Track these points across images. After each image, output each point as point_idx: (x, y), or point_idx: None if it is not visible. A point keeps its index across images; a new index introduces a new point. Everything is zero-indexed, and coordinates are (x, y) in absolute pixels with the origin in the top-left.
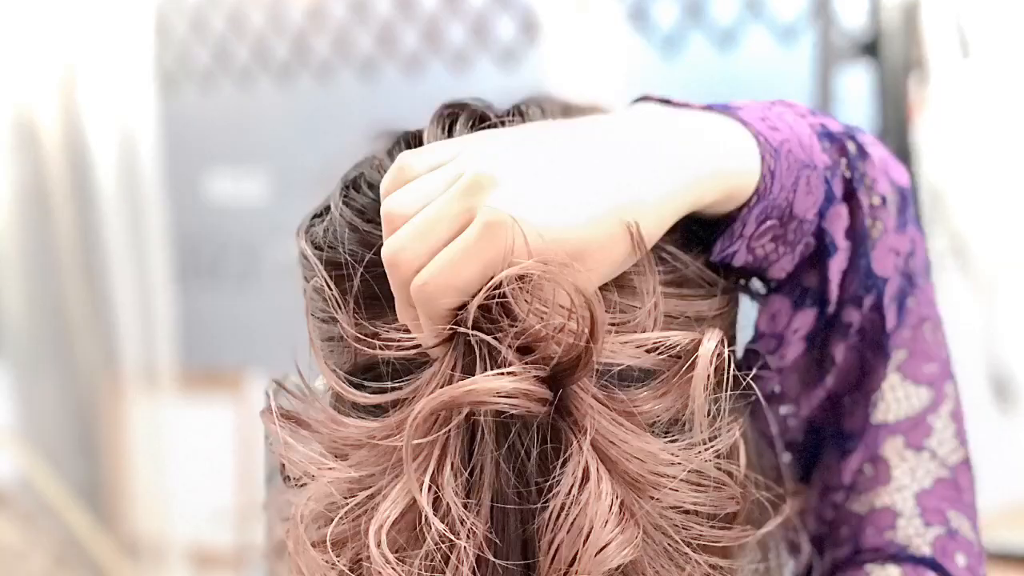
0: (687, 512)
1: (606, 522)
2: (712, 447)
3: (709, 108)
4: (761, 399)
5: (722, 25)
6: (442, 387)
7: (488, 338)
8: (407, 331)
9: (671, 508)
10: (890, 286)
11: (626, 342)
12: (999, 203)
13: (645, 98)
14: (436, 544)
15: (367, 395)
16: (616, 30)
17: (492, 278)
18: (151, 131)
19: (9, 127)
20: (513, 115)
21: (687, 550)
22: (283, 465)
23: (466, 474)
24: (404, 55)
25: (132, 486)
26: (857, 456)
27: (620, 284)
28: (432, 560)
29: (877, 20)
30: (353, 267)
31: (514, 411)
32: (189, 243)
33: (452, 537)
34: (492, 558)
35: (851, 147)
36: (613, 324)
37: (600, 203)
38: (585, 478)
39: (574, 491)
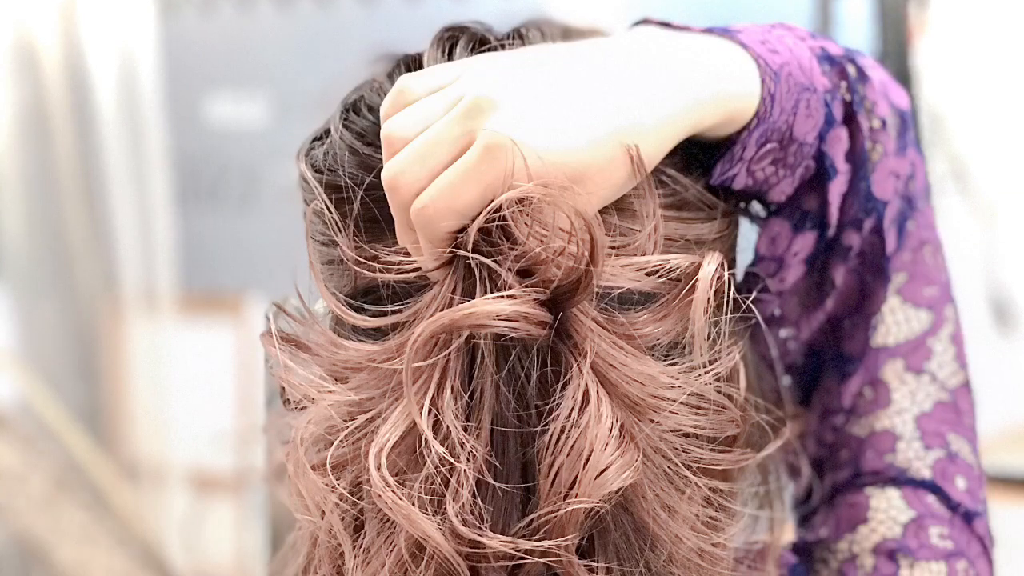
0: (687, 435)
1: (606, 445)
2: (712, 370)
3: (709, 31)
4: (761, 322)
5: None
6: (442, 310)
7: (488, 261)
8: (407, 254)
9: (671, 431)
10: (890, 209)
11: (626, 265)
12: (999, 127)
13: (645, 21)
14: (436, 467)
15: (367, 318)
16: None
17: (492, 201)
18: (151, 54)
19: (9, 50)
20: (513, 38)
21: (687, 473)
22: (283, 388)
23: (466, 397)
24: None
25: (132, 409)
26: (857, 379)
27: (620, 207)
28: (432, 483)
29: None
30: (353, 190)
31: (514, 334)
32: (189, 166)
33: (452, 460)
34: (492, 481)
35: (851, 70)
36: (613, 247)
37: (600, 126)
38: (585, 401)
39: (574, 414)
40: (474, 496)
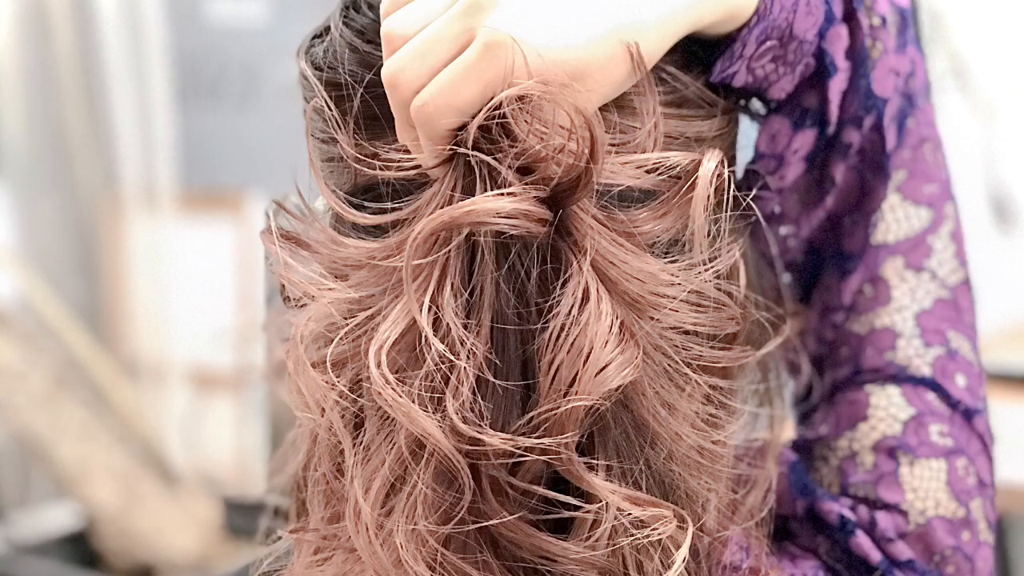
0: (687, 332)
1: (606, 342)
2: (712, 267)
3: None
4: (761, 219)
5: None
6: (442, 207)
7: (488, 158)
8: (407, 152)
9: (671, 328)
10: (890, 106)
11: (626, 162)
12: (999, 24)
13: None
14: (436, 365)
15: (367, 216)
16: None
17: (492, 99)
18: None
19: None
20: None
21: (687, 370)
22: (283, 286)
23: (466, 295)
24: None
25: (132, 306)
26: (857, 276)
27: (620, 105)
28: (432, 381)
29: None
30: (353, 87)
31: (514, 231)
32: (189, 63)
33: (452, 357)
34: (492, 378)
35: None
36: (613, 145)
37: (600, 23)
38: (585, 298)
39: (574, 311)
40: (474, 394)
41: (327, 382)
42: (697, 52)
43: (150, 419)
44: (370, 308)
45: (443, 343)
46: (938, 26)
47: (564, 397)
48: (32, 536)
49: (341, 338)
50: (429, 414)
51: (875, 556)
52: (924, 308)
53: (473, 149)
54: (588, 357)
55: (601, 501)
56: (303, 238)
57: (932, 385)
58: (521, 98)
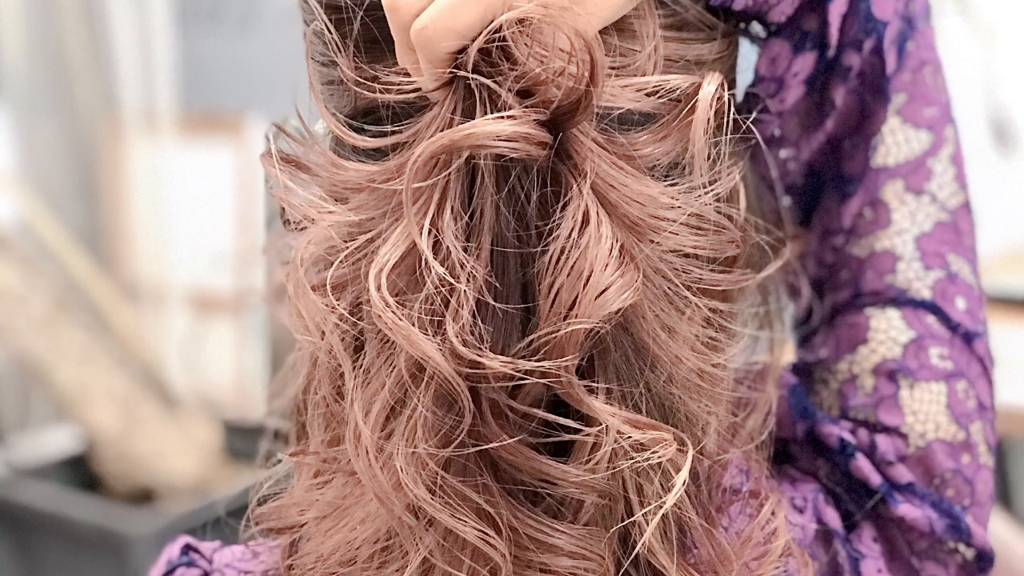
0: (687, 256)
1: (606, 265)
2: (712, 190)
3: None
4: (761, 142)
5: None
6: (442, 131)
7: (488, 81)
8: (407, 75)
9: (671, 252)
10: (890, 29)
11: (626, 85)
12: None
13: None
14: (436, 288)
15: (367, 139)
16: None
17: (492, 21)
18: None
19: None
20: None
21: (687, 294)
22: (283, 209)
23: (466, 218)
24: None
25: (132, 230)
26: (857, 199)
27: (620, 28)
28: (432, 304)
29: None
30: (353, 10)
31: (514, 155)
32: None
33: (452, 281)
34: (492, 302)
35: None
36: (613, 68)
37: None
38: (585, 221)
39: (574, 235)
40: (474, 317)
41: (327, 305)
42: None
43: (150, 342)
44: (370, 231)
45: (443, 266)
46: None
47: (564, 320)
48: (32, 459)
49: (341, 261)
50: (429, 337)
51: (875, 479)
52: (924, 231)
53: (473, 72)
54: (588, 280)
55: (601, 424)
56: (303, 161)
57: (932, 308)
58: (521, 21)
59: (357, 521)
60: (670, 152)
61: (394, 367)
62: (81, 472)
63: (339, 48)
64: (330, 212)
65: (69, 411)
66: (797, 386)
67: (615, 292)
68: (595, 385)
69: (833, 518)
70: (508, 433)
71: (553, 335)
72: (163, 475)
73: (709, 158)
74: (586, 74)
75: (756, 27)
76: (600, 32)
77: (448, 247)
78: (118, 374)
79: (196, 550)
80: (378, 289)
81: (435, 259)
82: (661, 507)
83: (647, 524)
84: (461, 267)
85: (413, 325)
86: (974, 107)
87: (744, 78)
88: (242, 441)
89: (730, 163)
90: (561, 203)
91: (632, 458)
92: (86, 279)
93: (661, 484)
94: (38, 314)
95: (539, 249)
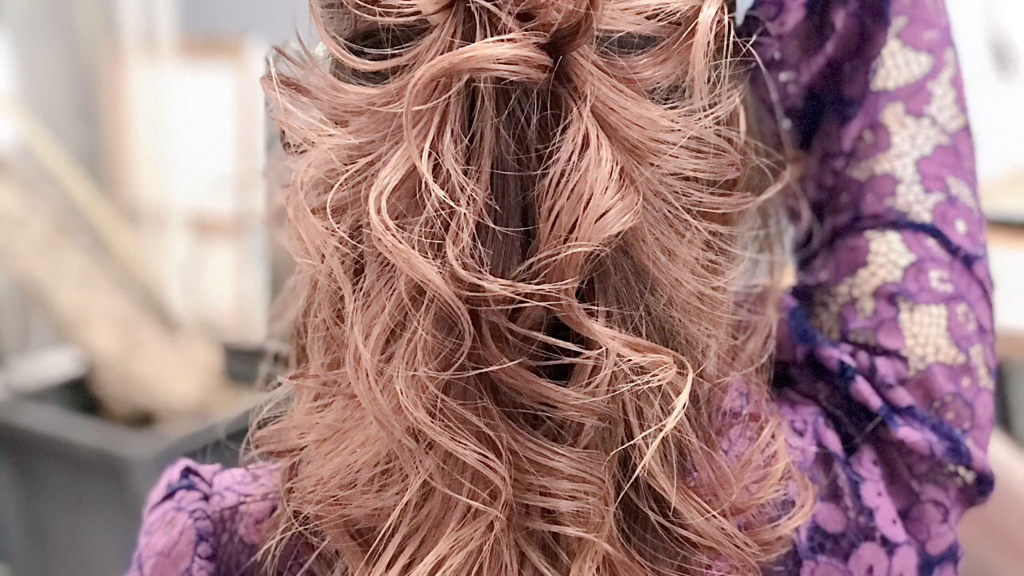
0: (687, 179)
1: (606, 188)
2: (712, 114)
3: None
4: (761, 66)
5: None
6: (442, 54)
7: (488, 4)
8: None
9: (671, 175)
10: None
11: (626, 8)
12: None
13: None
14: (436, 211)
15: (367, 62)
16: None
17: None
18: None
19: None
20: None
21: (687, 217)
22: (283, 132)
23: (466, 141)
24: None
25: (132, 153)
26: (857, 123)
27: None
28: (432, 227)
29: None
30: None
31: (514, 78)
32: None
33: (452, 204)
34: (492, 225)
35: None
36: None
37: None
38: (585, 144)
39: (574, 158)
40: (474, 240)
41: (327, 228)
42: None
43: (150, 265)
44: (370, 154)
45: (443, 189)
46: None
47: (564, 243)
48: (32, 382)
49: (341, 184)
50: (429, 260)
51: (875, 402)
52: (924, 154)
53: None
54: (588, 203)
55: (601, 347)
56: (303, 84)
57: (932, 231)
58: None
59: (357, 444)
60: (670, 75)
61: (394, 290)
62: (81, 395)
63: None
64: (330, 135)
65: (69, 334)
66: (797, 309)
67: (615, 215)
68: (595, 308)
69: (833, 441)
70: (508, 356)
71: (553, 258)
72: (163, 398)
73: (709, 81)
74: None
75: None
76: None
77: (448, 170)
78: (118, 297)
79: (196, 473)
80: (378, 212)
81: (435, 182)
82: (661, 430)
83: (647, 447)
84: (461, 190)
85: (413, 248)
86: (974, 30)
87: (744, 1)
88: (242, 364)
89: (730, 86)
90: (561, 126)
91: (632, 381)
92: (86, 202)
93: (661, 407)
94: (38, 237)
95: (539, 172)
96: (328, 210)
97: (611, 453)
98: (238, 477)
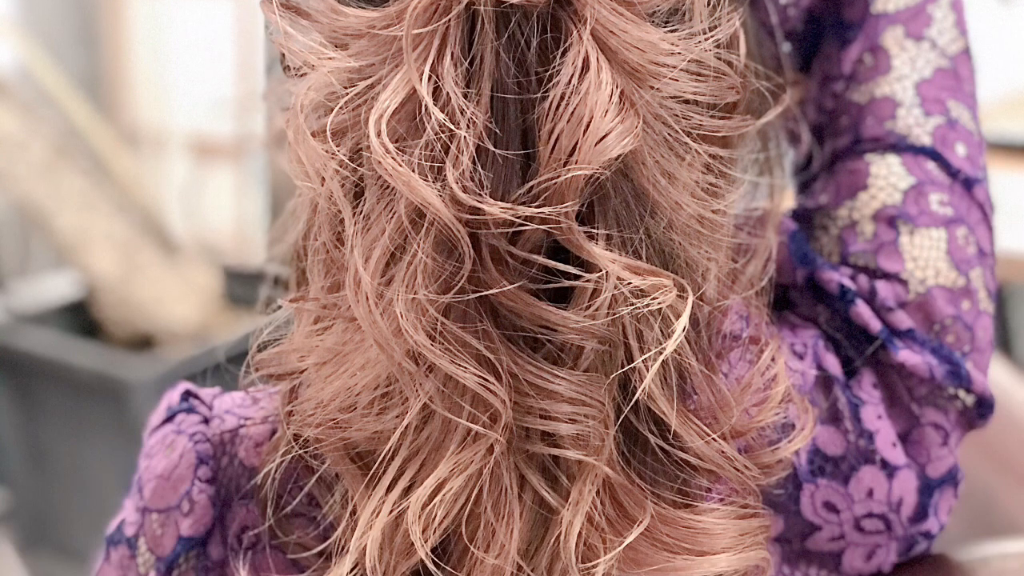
0: (687, 102)
1: (606, 111)
2: (712, 37)
3: None
4: None
5: None
6: None
7: None
8: None
9: (671, 98)
10: None
11: None
12: None
13: None
14: (436, 134)
15: None
16: None
17: None
18: None
19: None
20: None
21: (687, 139)
22: (283, 55)
23: (466, 64)
24: None
25: (132, 76)
26: (857, 46)
27: None
28: (432, 150)
29: None
30: None
31: (514, 1)
32: None
33: (452, 127)
34: (492, 148)
35: None
36: None
37: None
38: (585, 67)
39: (574, 81)
40: (474, 163)
41: (327, 151)
42: None
43: (150, 188)
44: (370, 77)
45: (443, 112)
46: None
47: (564, 166)
48: (32, 305)
49: (341, 107)
50: (429, 183)
51: (875, 325)
52: (924, 77)
53: None
54: (588, 126)
55: (601, 270)
56: (303, 7)
57: (932, 154)
58: None
59: (357, 367)
60: None
61: (394, 213)
62: (81, 318)
63: None
64: (330, 58)
65: (69, 257)
66: (797, 232)
67: (615, 138)
68: (595, 231)
69: (833, 364)
70: (508, 279)
71: (553, 181)
72: (163, 321)
73: (709, 4)
74: None
75: None
76: None
77: (448, 93)
78: (118, 220)
79: (196, 396)
80: (378, 135)
81: (435, 105)
82: (661, 353)
83: (647, 370)
84: (461, 113)
85: (413, 171)
86: None
87: None
88: (242, 287)
89: (730, 9)
90: (561, 49)
91: (632, 304)
92: (86, 125)
93: (661, 330)
94: (38, 160)
95: (539, 95)
96: (328, 133)
97: (611, 376)
98: (238, 400)
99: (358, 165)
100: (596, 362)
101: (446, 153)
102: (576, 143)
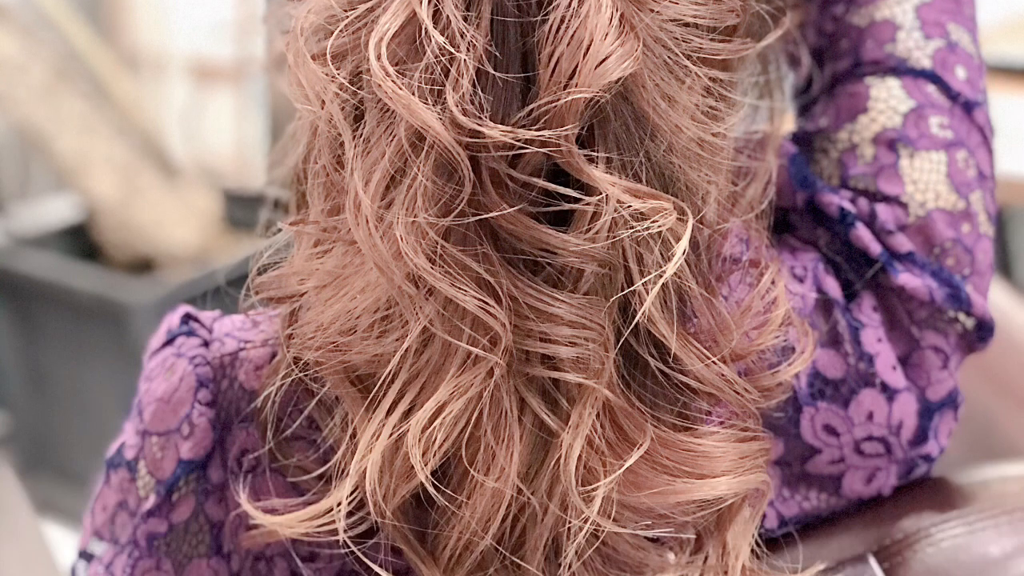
0: (687, 25)
1: (606, 35)
2: None
3: None
4: None
5: None
6: None
7: None
8: None
9: (671, 21)
10: None
11: None
12: None
13: None
14: (436, 57)
15: None
16: None
17: None
18: None
19: None
20: None
21: (687, 63)
22: None
23: None
24: None
25: None
26: None
27: None
28: (432, 73)
29: None
30: None
31: None
32: None
33: (452, 50)
34: (492, 71)
35: None
36: None
37: None
38: None
39: (574, 4)
40: (474, 86)
41: (327, 74)
42: None
43: (150, 111)
44: (370, 0)
45: (443, 35)
46: None
47: (564, 89)
48: (32, 228)
49: (341, 30)
50: (429, 106)
51: (875, 248)
52: (924, 0)
53: None
54: (588, 49)
55: (601, 193)
56: None
57: (932, 77)
58: None
59: (357, 290)
60: None
61: (394, 136)
62: (81, 241)
63: None
64: None
65: (69, 180)
66: (797, 155)
67: (615, 61)
68: (595, 154)
69: (833, 287)
70: (508, 202)
71: (553, 104)
72: (163, 244)
73: None
74: None
75: None
76: None
77: (448, 16)
78: (118, 143)
79: (196, 319)
80: (378, 58)
81: (435, 28)
82: (661, 276)
83: (647, 293)
84: (461, 36)
85: (413, 94)
86: None
87: None
88: (242, 210)
89: None
90: None
91: (632, 227)
92: (86, 48)
93: (661, 253)
94: (38, 83)
95: (539, 18)
96: (328, 56)
97: (611, 299)
98: (238, 323)
99: (358, 88)
100: (596, 285)
101: (446, 76)
102: (576, 66)
